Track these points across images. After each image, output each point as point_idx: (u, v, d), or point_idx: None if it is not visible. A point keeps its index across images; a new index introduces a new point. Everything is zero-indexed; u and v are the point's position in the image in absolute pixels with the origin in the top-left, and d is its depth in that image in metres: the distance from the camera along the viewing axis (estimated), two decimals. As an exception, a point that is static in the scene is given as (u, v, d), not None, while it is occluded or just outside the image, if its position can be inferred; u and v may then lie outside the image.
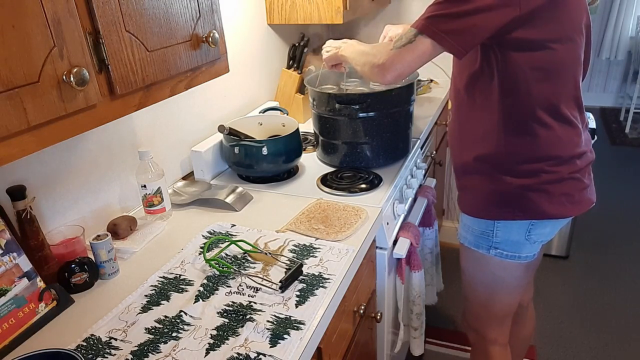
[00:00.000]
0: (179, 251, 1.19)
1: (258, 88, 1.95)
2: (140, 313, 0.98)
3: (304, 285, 1.04)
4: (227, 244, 1.18)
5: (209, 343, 0.89)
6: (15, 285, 0.93)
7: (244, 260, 1.14)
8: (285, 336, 0.89)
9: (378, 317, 1.37)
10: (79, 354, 0.81)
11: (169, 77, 0.98)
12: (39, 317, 0.96)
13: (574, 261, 2.73)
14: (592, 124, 2.24)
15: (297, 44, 1.99)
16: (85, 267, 1.05)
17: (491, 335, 1.45)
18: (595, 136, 2.35)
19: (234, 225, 1.29)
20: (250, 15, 1.84)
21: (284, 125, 1.64)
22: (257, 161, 1.48)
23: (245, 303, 0.99)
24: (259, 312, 0.96)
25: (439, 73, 2.29)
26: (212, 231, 1.27)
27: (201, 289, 1.03)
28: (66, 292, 1.03)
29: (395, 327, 1.66)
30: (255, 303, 0.99)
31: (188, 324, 0.94)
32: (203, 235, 1.25)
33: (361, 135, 1.52)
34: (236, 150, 1.48)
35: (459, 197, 1.35)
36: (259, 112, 1.78)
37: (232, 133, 1.49)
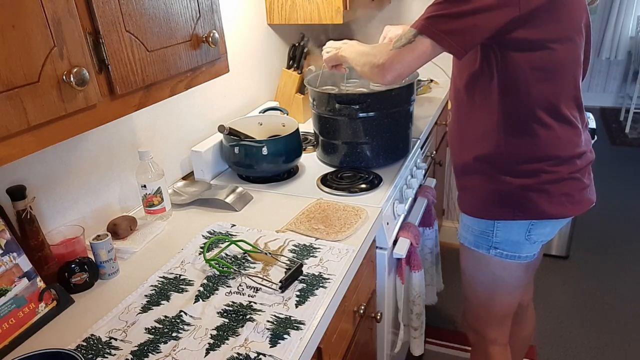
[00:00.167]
0: (179, 251, 1.19)
1: (258, 88, 1.95)
2: (140, 313, 0.98)
3: (304, 285, 1.04)
4: (227, 244, 1.18)
5: (209, 343, 0.89)
6: (15, 285, 0.93)
7: (244, 260, 1.14)
8: (285, 336, 0.89)
9: (378, 317, 1.37)
10: (79, 354, 0.81)
11: (169, 77, 0.98)
12: (39, 317, 0.96)
13: (574, 261, 2.73)
14: (592, 124, 2.24)
15: (297, 44, 1.99)
16: (85, 267, 1.05)
17: (491, 335, 1.45)
18: (595, 136, 2.35)
19: (234, 225, 1.29)
20: (250, 15, 1.84)
21: (284, 125, 1.64)
22: (257, 161, 1.48)
23: (245, 303, 0.99)
24: (259, 312, 0.96)
25: (439, 73, 2.29)
26: (212, 231, 1.27)
27: (201, 289, 1.03)
28: (66, 292, 1.03)
29: (395, 327, 1.66)
30: (255, 303, 0.99)
31: (188, 324, 0.94)
32: (203, 235, 1.25)
33: (361, 135, 1.52)
34: (236, 150, 1.48)
35: (459, 197, 1.35)
36: (259, 112, 1.78)
37: (232, 133, 1.49)
